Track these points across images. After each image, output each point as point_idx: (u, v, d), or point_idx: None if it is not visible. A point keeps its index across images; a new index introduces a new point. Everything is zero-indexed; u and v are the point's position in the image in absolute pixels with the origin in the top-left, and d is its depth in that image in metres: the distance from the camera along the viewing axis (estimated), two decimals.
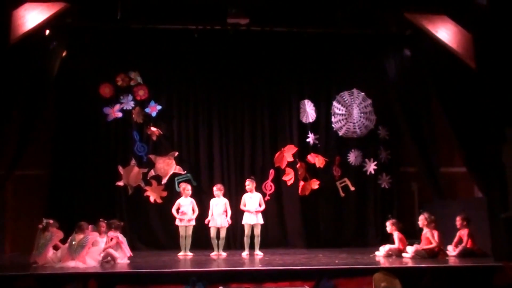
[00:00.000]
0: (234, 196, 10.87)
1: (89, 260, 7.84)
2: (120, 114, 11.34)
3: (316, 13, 10.60)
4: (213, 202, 9.74)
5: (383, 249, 8.93)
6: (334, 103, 11.84)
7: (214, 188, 9.88)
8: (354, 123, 11.77)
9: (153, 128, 11.30)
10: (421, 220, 8.98)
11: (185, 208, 9.65)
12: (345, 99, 11.87)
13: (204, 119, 11.51)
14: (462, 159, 9.49)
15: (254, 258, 9.06)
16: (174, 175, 11.26)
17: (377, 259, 8.60)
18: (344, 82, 11.96)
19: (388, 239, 9.52)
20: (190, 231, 9.61)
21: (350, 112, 11.79)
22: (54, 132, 11.14)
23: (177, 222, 9.63)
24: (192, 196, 9.93)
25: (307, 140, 11.65)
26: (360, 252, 9.45)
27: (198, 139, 11.48)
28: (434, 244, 8.61)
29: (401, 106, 11.21)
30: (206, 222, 9.64)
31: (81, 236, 8.11)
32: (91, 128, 11.23)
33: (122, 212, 10.96)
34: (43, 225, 8.42)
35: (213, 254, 9.47)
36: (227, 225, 9.67)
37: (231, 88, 11.65)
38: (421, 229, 9.04)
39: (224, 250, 9.61)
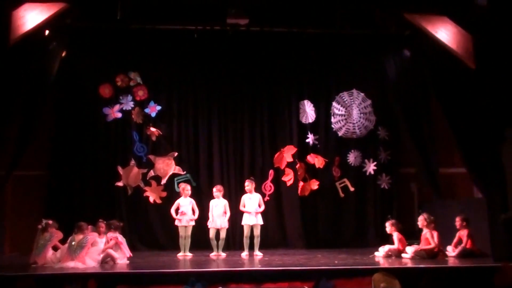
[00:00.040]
0: (234, 196, 10.87)
1: (88, 261, 7.85)
2: (119, 115, 11.34)
3: (316, 14, 10.61)
4: (212, 203, 9.74)
5: (383, 250, 8.93)
6: (334, 103, 11.84)
7: (214, 189, 9.88)
8: (353, 123, 11.78)
9: (152, 129, 11.30)
10: (421, 220, 8.99)
11: (185, 208, 9.65)
12: (345, 99, 11.87)
13: (203, 120, 11.51)
14: (461, 160, 9.49)
15: (254, 259, 9.06)
16: (174, 175, 11.26)
17: (376, 259, 8.61)
18: (344, 83, 11.97)
19: (388, 239, 9.52)
20: (189, 232, 9.61)
21: (349, 113, 11.80)
22: (54, 133, 11.14)
23: (177, 223, 9.63)
24: (192, 196, 9.93)
25: (307, 140, 11.66)
26: (360, 253, 9.46)
27: (197, 139, 11.48)
28: (433, 245, 8.61)
29: (400, 107, 11.20)
30: (208, 224, 9.64)
31: (80, 236, 8.11)
32: (91, 129, 11.23)
33: (122, 212, 10.96)
34: (43, 225, 8.43)
35: (213, 255, 9.47)
36: (226, 226, 9.67)
37: (231, 88, 11.65)
38: (420, 230, 9.05)
39: (223, 250, 9.61)
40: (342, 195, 11.62)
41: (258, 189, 10.51)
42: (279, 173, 11.49)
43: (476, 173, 8.84)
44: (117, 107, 11.34)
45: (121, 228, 8.94)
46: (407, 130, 11.10)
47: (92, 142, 11.19)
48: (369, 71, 11.91)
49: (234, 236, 10.92)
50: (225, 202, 9.76)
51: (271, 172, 11.44)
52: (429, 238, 8.71)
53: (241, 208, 9.76)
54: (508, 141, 8.18)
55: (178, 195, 10.10)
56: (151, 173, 11.24)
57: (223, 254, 9.50)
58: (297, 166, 11.45)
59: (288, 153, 11.48)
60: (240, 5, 9.98)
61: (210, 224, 9.59)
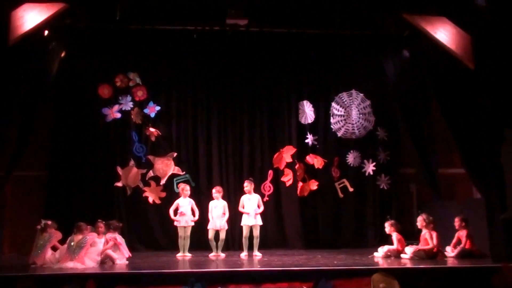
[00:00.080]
0: (233, 197, 10.87)
1: (87, 261, 7.85)
2: (119, 115, 11.33)
3: (315, 14, 10.62)
4: (212, 204, 9.74)
5: (382, 250, 8.93)
6: (333, 104, 11.85)
7: (213, 190, 9.88)
8: (353, 124, 11.78)
9: (151, 129, 11.30)
10: (420, 221, 8.99)
11: (184, 209, 9.64)
12: (344, 100, 11.88)
13: (203, 120, 11.51)
14: (460, 160, 9.50)
15: (253, 259, 9.06)
16: (173, 175, 11.26)
17: (375, 260, 8.61)
18: (343, 83, 11.97)
19: (387, 240, 9.52)
20: (188, 232, 9.60)
21: (349, 113, 11.80)
22: (53, 133, 11.12)
23: (176, 223, 9.62)
24: (191, 196, 9.93)
25: (306, 141, 11.66)
26: (359, 253, 9.47)
27: (197, 140, 11.48)
28: (432, 245, 8.61)
29: (400, 107, 11.22)
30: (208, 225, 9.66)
31: (79, 237, 8.10)
32: (90, 129, 11.22)
33: (121, 212, 10.95)
34: (42, 226, 8.43)
35: (212, 255, 9.46)
36: (226, 227, 9.67)
37: (230, 89, 11.66)
38: (419, 230, 9.05)
39: (222, 251, 9.61)
40: (341, 195, 11.62)
41: (257, 190, 10.51)
42: (278, 173, 11.49)
43: (475, 173, 8.85)
44: (116, 107, 11.33)
45: (120, 228, 8.93)
46: (407, 130, 11.12)
47: (91, 142, 11.18)
48: (368, 71, 11.92)
49: (234, 237, 10.91)
50: (224, 203, 9.76)
51: (270, 172, 11.44)
52: (428, 238, 8.71)
53: (240, 209, 9.76)
54: (507, 142, 8.18)
55: (177, 196, 10.09)
56: (150, 173, 11.23)
57: (222, 255, 9.49)
58: (296, 167, 11.45)
59: (287, 154, 11.49)
60: (239, 6, 9.99)
61: (209, 225, 9.60)
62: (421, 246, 8.73)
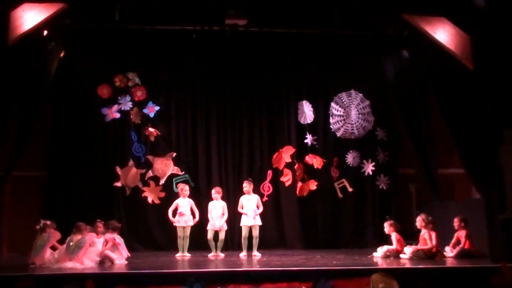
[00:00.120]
0: (232, 197, 10.87)
1: (86, 261, 7.84)
2: (118, 115, 11.33)
3: (314, 14, 10.62)
4: (211, 205, 9.74)
5: (381, 250, 8.93)
6: (332, 104, 11.85)
7: (213, 191, 9.88)
8: (352, 124, 11.79)
9: (151, 129, 11.30)
10: (419, 221, 8.99)
11: (183, 209, 9.64)
12: (343, 100, 11.88)
13: (202, 120, 11.51)
14: (460, 161, 9.50)
15: (252, 259, 9.06)
16: (172, 176, 11.26)
17: (375, 260, 8.61)
18: (342, 83, 11.98)
19: (386, 240, 9.51)
20: (188, 232, 9.60)
21: (348, 113, 11.81)
22: (52, 133, 11.12)
23: (175, 223, 9.62)
24: (190, 197, 9.93)
25: (305, 141, 11.66)
26: (358, 253, 9.47)
27: (196, 140, 11.48)
28: (431, 245, 8.61)
29: (399, 107, 11.22)
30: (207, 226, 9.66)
31: (78, 237, 8.09)
32: (89, 129, 11.22)
33: (120, 212, 10.95)
34: (41, 226, 8.42)
35: (211, 255, 9.46)
36: (225, 228, 9.67)
37: (229, 89, 11.66)
38: (419, 230, 9.05)
39: (222, 251, 9.61)
40: (340, 195, 11.63)
41: (256, 190, 10.52)
42: (277, 173, 11.49)
43: (475, 173, 8.86)
44: (115, 107, 11.33)
45: (119, 228, 8.92)
46: (406, 130, 11.11)
47: (90, 142, 11.18)
48: (368, 71, 11.92)
49: (233, 237, 10.91)
50: (223, 204, 9.76)
51: (269, 172, 11.44)
52: (427, 238, 8.71)
53: (239, 209, 9.76)
54: (506, 142, 8.19)
55: (176, 196, 10.09)
56: (150, 173, 11.23)
57: (222, 255, 9.49)
58: (295, 167, 11.46)
59: (286, 154, 11.49)
60: (238, 6, 9.99)
61: (209, 225, 9.60)
62: (420, 246, 8.73)
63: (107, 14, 10.11)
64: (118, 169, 11.15)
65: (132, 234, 10.85)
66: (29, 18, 8.50)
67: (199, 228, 9.90)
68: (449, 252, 8.89)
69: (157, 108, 11.40)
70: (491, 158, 8.21)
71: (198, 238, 10.03)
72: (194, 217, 9.70)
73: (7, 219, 10.61)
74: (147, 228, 11.12)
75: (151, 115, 11.38)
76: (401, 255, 8.71)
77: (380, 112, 11.87)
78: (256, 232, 9.57)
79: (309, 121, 11.76)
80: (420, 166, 10.94)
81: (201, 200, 10.61)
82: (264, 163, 11.52)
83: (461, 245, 8.79)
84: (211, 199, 9.84)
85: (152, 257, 9.45)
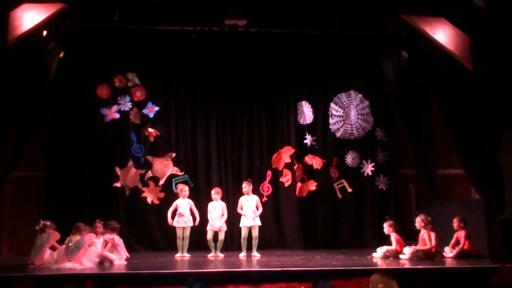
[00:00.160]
0: (232, 197, 10.87)
1: (85, 262, 7.84)
2: (117, 115, 11.32)
3: (314, 15, 10.63)
4: (211, 205, 9.74)
5: (380, 251, 8.93)
6: (332, 104, 11.85)
7: (212, 192, 9.89)
8: (351, 124, 11.79)
9: (150, 129, 11.30)
10: (418, 221, 8.99)
11: (183, 210, 9.64)
12: (343, 100, 11.88)
13: (201, 120, 11.50)
14: (459, 161, 9.51)
15: (252, 260, 9.06)
16: (172, 176, 11.25)
17: (374, 260, 8.61)
18: (342, 84, 11.97)
19: (385, 240, 9.51)
20: (187, 233, 9.60)
21: (347, 114, 11.81)
22: (52, 133, 11.11)
23: (175, 223, 9.62)
24: (189, 197, 9.93)
25: (305, 141, 11.66)
26: (358, 254, 9.47)
27: (195, 140, 11.47)
28: (430, 246, 8.62)
29: (398, 108, 11.22)
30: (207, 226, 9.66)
31: (78, 237, 8.09)
32: (89, 129, 11.21)
33: (120, 213, 10.94)
34: (40, 226, 8.42)
35: (211, 256, 9.46)
36: (225, 228, 9.67)
37: (229, 89, 11.65)
38: (418, 231, 9.05)
39: (221, 251, 9.61)
40: (340, 196, 11.63)
41: (256, 190, 10.51)
42: (277, 174, 11.49)
43: (474, 174, 8.87)
44: (115, 107, 11.33)
45: (119, 229, 8.92)
46: (405, 131, 11.11)
47: (90, 142, 11.17)
48: (367, 72, 11.92)
49: (232, 237, 10.90)
50: (223, 205, 9.76)
51: (269, 173, 11.44)
52: (427, 239, 8.72)
53: (239, 210, 9.76)
54: (505, 143, 8.20)
55: (176, 196, 10.10)
56: (149, 173, 11.23)
57: (221, 255, 9.50)
58: (295, 167, 11.45)
59: (286, 154, 11.49)
60: (238, 6, 9.99)
61: (208, 226, 9.60)
62: (419, 246, 8.73)
63: (106, 14, 10.10)
64: (117, 170, 11.15)
65: (132, 234, 10.84)
66: (28, 18, 8.51)
67: (199, 228, 9.89)
68: (449, 252, 8.89)
69: (156, 108, 11.39)
70: (491, 159, 8.22)
71: (198, 238, 10.04)
72: (193, 217, 9.70)
73: (7, 219, 10.63)
74: (146, 228, 11.12)
75: (151, 115, 11.37)
76: (401, 256, 8.71)
77: (380, 112, 11.87)
78: (255, 233, 9.58)
79: (308, 122, 11.76)
80: (419, 166, 10.94)
81: (201, 200, 10.60)
82: (263, 163, 11.51)
83: (460, 246, 8.79)
84: (211, 200, 9.84)
85: (151, 257, 9.45)
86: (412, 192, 11.62)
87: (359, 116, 11.83)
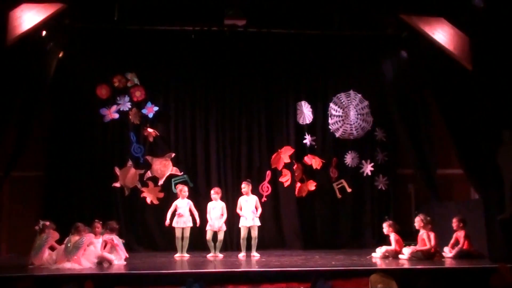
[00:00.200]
0: (231, 197, 10.87)
1: (84, 262, 7.83)
2: (116, 115, 11.32)
3: (313, 15, 10.62)
4: (210, 205, 9.74)
5: (380, 251, 8.93)
6: (331, 104, 11.86)
7: (212, 192, 9.89)
8: (351, 124, 11.79)
9: (149, 129, 11.30)
10: (417, 221, 8.99)
11: (182, 210, 9.65)
12: (342, 100, 11.88)
13: (201, 120, 11.51)
14: (458, 161, 9.51)
15: (251, 260, 9.06)
16: (171, 176, 11.25)
17: (373, 260, 8.61)
18: (341, 84, 11.98)
19: (385, 240, 9.52)
20: (188, 233, 9.60)
21: (347, 114, 11.81)
22: (51, 133, 11.11)
23: (174, 224, 9.62)
24: (189, 197, 9.93)
25: (304, 141, 11.67)
26: (357, 254, 9.47)
27: (195, 140, 11.47)
28: (429, 246, 8.62)
29: (398, 108, 11.23)
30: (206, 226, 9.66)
31: (76, 237, 8.08)
32: (88, 129, 11.21)
33: (119, 213, 10.94)
34: (40, 226, 8.41)
35: (210, 256, 9.46)
36: (224, 228, 9.67)
37: (228, 89, 11.66)
38: (417, 231, 9.05)
39: (221, 251, 9.61)
40: (339, 196, 11.63)
41: (255, 190, 10.51)
42: (276, 174, 11.49)
43: (473, 174, 8.86)
44: (114, 108, 11.32)
45: (118, 229, 8.92)
46: (405, 131, 11.12)
47: (89, 143, 11.18)
48: (367, 72, 11.93)
49: (232, 237, 10.90)
50: (222, 204, 9.76)
51: (268, 173, 11.45)
52: (426, 239, 8.72)
53: (238, 211, 9.76)
54: (504, 143, 8.20)
55: (175, 196, 10.10)
56: (148, 174, 11.23)
57: (221, 255, 9.50)
58: (294, 167, 11.46)
59: (285, 154, 11.49)
60: (237, 6, 9.98)
61: (208, 226, 9.60)
62: (419, 246, 8.73)
63: (106, 14, 10.09)
64: (117, 170, 11.15)
65: (131, 234, 10.83)
66: (27, 18, 8.50)
67: (198, 228, 9.90)
68: (448, 252, 8.89)
69: (156, 108, 11.39)
70: (490, 159, 8.22)
71: (197, 238, 10.04)
72: (193, 218, 9.70)
73: (6, 219, 10.63)
74: (146, 228, 11.12)
75: (150, 115, 11.38)
76: (400, 256, 8.71)
77: (379, 112, 11.88)
78: (254, 233, 9.58)
79: (308, 122, 11.77)
80: (418, 166, 10.95)
81: (200, 200, 10.62)
82: (263, 163, 11.51)
83: (459, 246, 8.79)
84: (210, 200, 9.84)
85: (151, 257, 9.46)
86: (412, 192, 11.64)
87: (359, 116, 11.83)
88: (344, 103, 11.87)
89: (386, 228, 9.24)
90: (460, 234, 8.89)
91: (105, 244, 8.49)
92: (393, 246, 8.95)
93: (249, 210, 9.61)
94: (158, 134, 11.35)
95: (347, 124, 11.79)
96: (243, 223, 9.61)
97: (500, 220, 7.91)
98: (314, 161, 11.59)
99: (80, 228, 8.22)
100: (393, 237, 9.05)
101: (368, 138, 11.87)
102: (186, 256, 9.50)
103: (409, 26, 9.57)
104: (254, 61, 11.58)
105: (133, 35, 10.74)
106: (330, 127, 11.81)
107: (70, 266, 7.67)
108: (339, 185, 11.66)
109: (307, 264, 7.89)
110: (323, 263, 8.05)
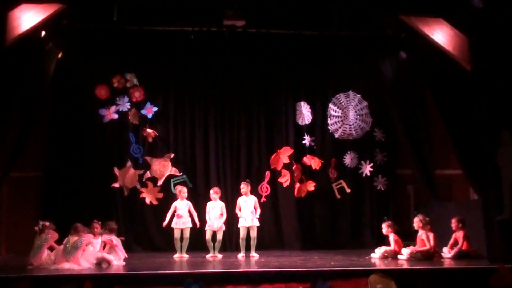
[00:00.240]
0: (230, 198, 10.86)
1: (83, 262, 7.82)
2: (116, 116, 11.31)
3: (312, 15, 10.63)
4: (209, 205, 9.74)
5: (379, 251, 8.94)
6: (330, 105, 11.85)
7: (211, 191, 9.89)
8: (350, 125, 11.79)
9: (149, 130, 11.29)
10: (416, 222, 9.00)
11: (181, 211, 9.65)
12: (341, 101, 11.88)
13: (200, 121, 11.51)
14: (457, 161, 9.52)
15: (250, 260, 9.06)
16: (170, 176, 11.24)
17: (372, 261, 8.62)
18: (340, 84, 11.97)
19: (384, 241, 9.52)
20: (188, 234, 9.61)
21: (346, 114, 11.81)
22: (50, 133, 11.10)
23: (173, 225, 9.62)
24: (188, 198, 9.93)
25: (303, 142, 11.66)
26: (356, 254, 9.47)
27: (194, 140, 11.47)
28: (428, 246, 8.62)
29: (397, 108, 11.24)
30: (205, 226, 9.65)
31: (75, 238, 8.08)
32: (87, 130, 11.20)
33: (118, 213, 10.94)
34: (39, 227, 8.40)
35: (209, 256, 9.46)
36: (223, 228, 9.67)
37: (227, 89, 11.65)
38: (416, 231, 9.06)
39: (220, 252, 9.61)
40: (338, 196, 11.63)
41: (254, 191, 10.51)
42: (275, 174, 11.48)
43: (472, 174, 8.86)
44: (113, 108, 11.31)
45: (117, 230, 8.92)
46: (404, 131, 11.13)
47: (88, 143, 11.17)
48: (366, 72, 11.93)
49: (231, 238, 10.90)
50: (221, 204, 9.76)
51: (267, 173, 11.44)
52: (425, 239, 8.72)
53: (237, 211, 9.75)
54: (504, 143, 8.20)
55: (174, 197, 10.10)
56: (148, 174, 11.22)
57: (220, 256, 9.50)
58: (293, 168, 11.45)
59: (284, 155, 11.49)
60: (237, 7, 9.99)
61: (207, 226, 9.60)
62: (418, 247, 8.73)
63: (105, 14, 10.11)
64: (116, 170, 11.14)
65: (130, 235, 10.81)
66: (27, 18, 8.50)
67: (197, 229, 9.89)
68: (447, 253, 8.89)
69: (155, 109, 11.38)
70: (489, 159, 8.21)
71: (196, 239, 10.03)
72: (192, 219, 9.70)
73: (6, 220, 10.62)
74: (145, 229, 11.11)
75: (149, 116, 11.37)
76: (399, 256, 8.72)
77: (378, 113, 11.88)
78: (253, 233, 9.57)
79: (307, 122, 11.76)
80: (418, 167, 10.95)
81: (199, 201, 10.62)
82: (262, 164, 11.51)
83: (458, 246, 8.80)
84: (209, 200, 9.84)
85: (150, 258, 9.45)
86: (411, 193, 11.65)
87: (358, 116, 11.83)
88: (343, 103, 11.87)
89: (385, 228, 9.24)
90: (459, 235, 8.90)
91: (104, 245, 8.49)
92: (392, 246, 8.95)
93: (248, 210, 9.61)
94: (157, 135, 11.35)
95: (346, 124, 11.79)
96: (242, 224, 9.61)
97: (499, 220, 7.91)
98: (313, 162, 11.59)
99: (79, 229, 8.21)
100: (392, 237, 9.05)
101: (367, 139, 11.87)
102: (186, 256, 9.51)
103: (408, 27, 9.57)
104: (254, 62, 11.58)
105: (132, 36, 10.74)
106: (329, 127, 11.80)
107: (69, 266, 7.66)
108: (338, 186, 11.66)
109: (306, 265, 7.89)
110: (322, 264, 8.05)
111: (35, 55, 9.48)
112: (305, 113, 11.75)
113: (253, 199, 9.75)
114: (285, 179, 11.42)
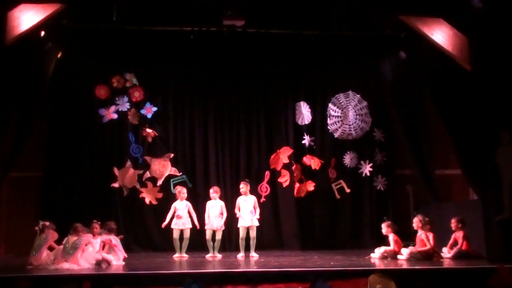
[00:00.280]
0: (230, 197, 10.86)
1: (82, 262, 7.81)
2: (115, 116, 11.32)
3: (312, 15, 10.63)
4: (209, 204, 9.74)
5: (378, 251, 8.93)
6: (330, 105, 11.86)
7: (211, 191, 9.89)
8: (349, 125, 11.79)
9: (148, 130, 11.29)
10: (416, 222, 8.99)
11: (181, 212, 9.64)
12: (341, 101, 11.88)
13: (199, 121, 11.52)
14: (457, 161, 9.51)
15: (250, 260, 9.05)
16: (170, 176, 11.25)
17: (372, 261, 8.60)
18: (340, 84, 11.99)
19: (383, 241, 9.52)
20: (187, 234, 9.61)
21: (345, 114, 11.81)
22: (50, 134, 11.10)
23: (173, 225, 9.62)
24: (187, 198, 9.93)
25: (303, 142, 11.67)
26: (356, 254, 9.47)
27: (193, 140, 11.48)
28: (428, 246, 8.62)
29: (396, 108, 11.24)
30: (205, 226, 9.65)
31: (75, 238, 8.07)
32: (87, 130, 11.21)
33: (118, 213, 10.96)
34: (40, 227, 8.40)
35: (209, 256, 9.46)
36: (223, 228, 9.67)
37: (227, 89, 11.67)
38: (416, 231, 9.05)
39: (219, 252, 9.61)
40: (338, 196, 11.63)
41: (254, 191, 10.51)
42: (275, 174, 11.49)
43: (472, 174, 8.86)
44: (113, 108, 11.32)
45: (116, 230, 8.91)
46: (403, 131, 11.14)
47: (88, 143, 11.18)
48: (365, 72, 11.94)
49: (230, 238, 10.91)
50: (221, 204, 9.76)
51: (267, 173, 11.45)
52: (424, 239, 8.71)
53: (236, 211, 9.74)
54: (503, 143, 8.20)
55: (174, 197, 10.10)
56: (147, 174, 11.23)
57: (219, 256, 9.50)
58: (293, 168, 11.46)
59: (284, 155, 11.49)
60: (236, 7, 9.98)
61: (206, 225, 9.60)
62: (417, 247, 8.73)
63: (104, 14, 10.10)
64: (115, 170, 11.14)
65: (130, 234, 10.82)
66: (26, 18, 8.50)
67: (196, 229, 9.88)
68: (447, 253, 8.88)
69: (154, 109, 11.39)
70: (488, 159, 8.22)
71: (196, 239, 10.03)
72: (191, 219, 9.70)
73: (5, 220, 10.63)
74: (144, 229, 11.12)
75: (149, 116, 11.38)
76: (399, 256, 8.71)
77: (378, 113, 11.88)
78: (253, 233, 9.57)
79: (306, 122, 11.77)
80: (417, 167, 10.96)
81: (199, 201, 10.63)
82: (261, 164, 11.52)
83: (458, 246, 8.79)
84: (209, 199, 9.83)
85: (149, 257, 9.45)
86: (410, 193, 11.64)
87: (357, 116, 11.83)
88: (343, 103, 11.87)
89: (384, 228, 9.24)
90: (458, 235, 8.89)
91: (103, 245, 8.49)
92: (391, 246, 8.95)
93: (248, 210, 9.60)
94: (157, 135, 11.35)
95: (346, 124, 11.79)
96: (242, 224, 9.60)
97: (499, 220, 7.91)
98: (313, 162, 11.59)
99: (78, 229, 8.20)
100: (391, 237, 9.05)
101: (367, 139, 11.88)
102: (185, 256, 9.50)
103: (408, 27, 9.58)
104: (253, 62, 11.58)
105: (132, 36, 10.73)
106: (329, 127, 11.81)
107: (68, 266, 7.65)
108: (338, 186, 11.66)
109: (306, 265, 7.88)
110: (322, 264, 8.05)
111: (34, 55, 9.48)
112: (305, 113, 11.75)
113: (252, 199, 9.74)
114: (284, 179, 11.42)
